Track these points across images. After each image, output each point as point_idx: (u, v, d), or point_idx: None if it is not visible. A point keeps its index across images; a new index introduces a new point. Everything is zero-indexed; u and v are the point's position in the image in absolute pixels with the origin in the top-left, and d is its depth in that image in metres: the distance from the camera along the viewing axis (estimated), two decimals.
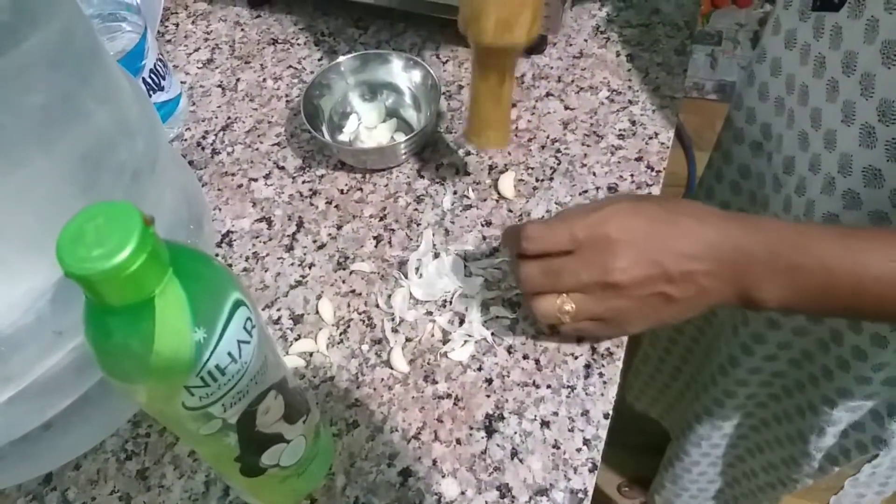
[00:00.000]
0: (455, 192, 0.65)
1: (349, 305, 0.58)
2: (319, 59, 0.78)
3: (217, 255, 0.62)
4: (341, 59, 0.70)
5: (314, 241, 0.63)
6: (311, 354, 0.56)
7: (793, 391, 0.74)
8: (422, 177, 0.67)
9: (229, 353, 0.33)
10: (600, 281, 0.48)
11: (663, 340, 1.00)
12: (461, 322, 0.57)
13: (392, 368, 0.55)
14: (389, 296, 0.58)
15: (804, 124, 0.58)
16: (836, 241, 0.45)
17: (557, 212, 0.63)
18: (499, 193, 0.65)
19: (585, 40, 0.78)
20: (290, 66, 0.78)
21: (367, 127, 0.70)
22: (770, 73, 0.63)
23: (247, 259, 0.62)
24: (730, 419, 0.86)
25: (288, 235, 0.63)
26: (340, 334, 0.57)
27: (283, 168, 0.69)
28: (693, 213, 0.49)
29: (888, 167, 0.50)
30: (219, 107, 0.75)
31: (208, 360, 0.32)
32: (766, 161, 0.66)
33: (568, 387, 0.53)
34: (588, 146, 0.68)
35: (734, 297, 0.48)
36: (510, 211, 0.63)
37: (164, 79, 0.68)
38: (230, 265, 0.62)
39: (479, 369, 0.54)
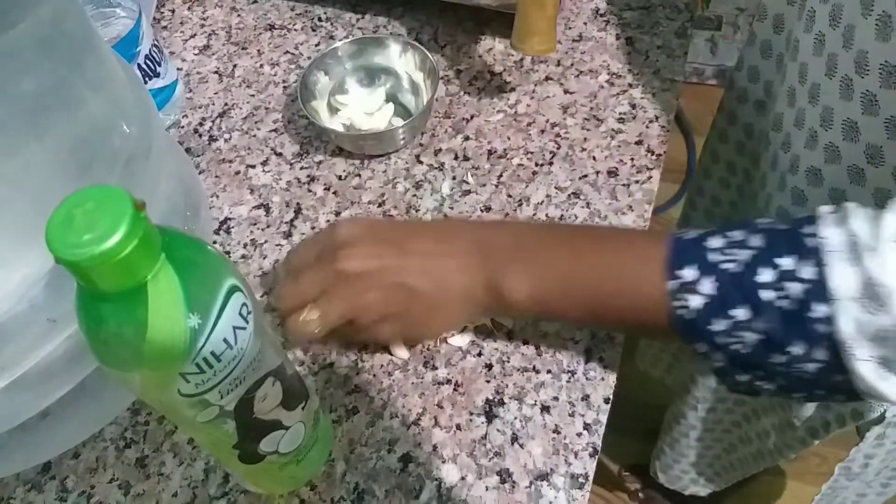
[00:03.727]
0: (454, 178, 0.65)
1: None
2: (317, 45, 0.78)
3: (215, 242, 0.62)
4: (338, 44, 0.69)
5: (312, 228, 0.62)
6: (309, 341, 0.56)
7: None
8: (420, 162, 0.66)
9: (225, 340, 0.33)
10: (331, 273, 0.47)
11: None
12: None
13: (392, 355, 0.54)
14: None
15: (793, 80, 0.57)
16: (587, 239, 0.46)
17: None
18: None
19: (585, 23, 0.77)
20: (288, 52, 0.77)
21: (365, 112, 0.70)
22: (772, 31, 0.63)
23: (245, 246, 0.62)
24: None
25: (286, 222, 0.63)
26: None
27: (280, 154, 0.68)
28: (427, 221, 0.50)
29: (863, 119, 0.49)
30: (216, 93, 0.74)
31: (203, 346, 0.31)
32: (769, 119, 0.66)
33: (568, 371, 0.53)
34: (588, 130, 0.67)
35: (482, 290, 0.47)
36: (509, 196, 0.63)
37: (159, 65, 0.68)
38: (228, 252, 0.61)
39: (479, 355, 0.54)
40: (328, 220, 0.62)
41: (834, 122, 0.52)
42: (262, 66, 0.76)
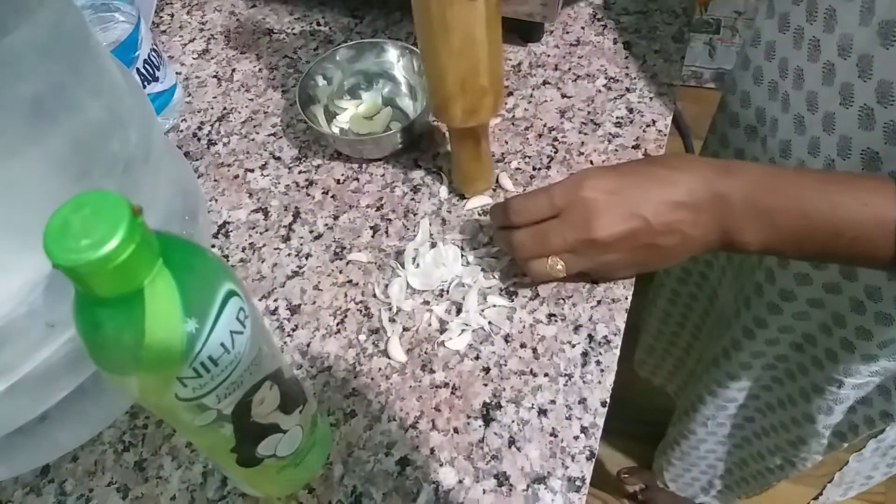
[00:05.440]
0: (451, 182, 0.65)
1: (346, 295, 0.58)
2: (315, 49, 0.78)
3: (214, 246, 0.62)
4: (337, 48, 0.69)
5: (311, 232, 0.63)
6: (308, 344, 0.56)
7: (796, 375, 0.74)
8: (418, 166, 0.67)
9: (222, 344, 0.33)
10: (584, 239, 0.51)
11: (675, 316, 1.00)
12: (458, 311, 0.57)
13: (389, 358, 0.55)
14: (387, 285, 0.58)
15: (800, 108, 0.58)
16: (812, 184, 0.47)
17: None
18: (499, 185, 0.64)
19: (582, 28, 0.77)
20: (286, 56, 0.78)
21: (363, 116, 0.70)
22: (764, 58, 0.63)
23: (243, 250, 0.62)
24: (734, 400, 0.86)
25: (284, 226, 0.63)
26: (338, 324, 0.57)
27: (279, 158, 0.68)
28: (667, 163, 0.50)
29: (885, 149, 0.50)
30: (214, 97, 0.74)
31: (200, 350, 0.32)
32: (760, 145, 0.66)
33: (565, 375, 0.53)
34: (585, 134, 0.67)
35: (717, 242, 0.50)
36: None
37: (158, 69, 0.68)
38: (227, 256, 0.61)
39: (477, 358, 0.54)
40: (326, 224, 0.63)
41: (852, 151, 0.52)
42: (260, 70, 0.76)
